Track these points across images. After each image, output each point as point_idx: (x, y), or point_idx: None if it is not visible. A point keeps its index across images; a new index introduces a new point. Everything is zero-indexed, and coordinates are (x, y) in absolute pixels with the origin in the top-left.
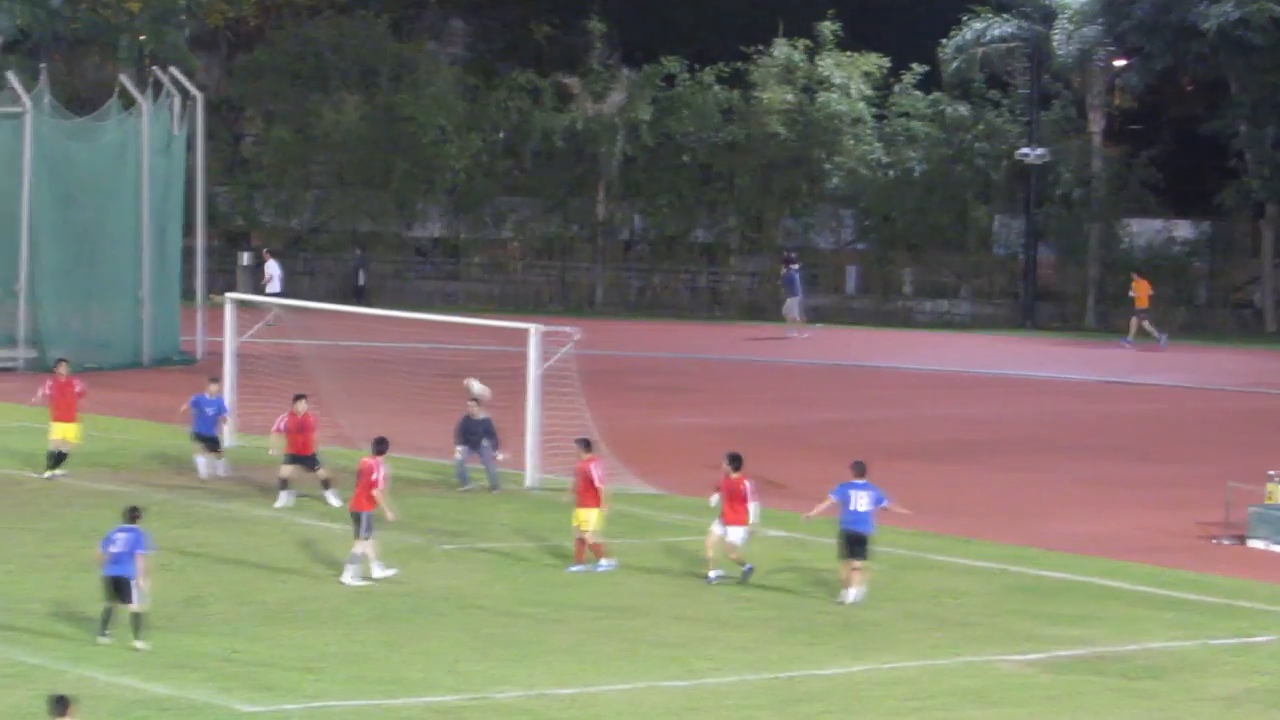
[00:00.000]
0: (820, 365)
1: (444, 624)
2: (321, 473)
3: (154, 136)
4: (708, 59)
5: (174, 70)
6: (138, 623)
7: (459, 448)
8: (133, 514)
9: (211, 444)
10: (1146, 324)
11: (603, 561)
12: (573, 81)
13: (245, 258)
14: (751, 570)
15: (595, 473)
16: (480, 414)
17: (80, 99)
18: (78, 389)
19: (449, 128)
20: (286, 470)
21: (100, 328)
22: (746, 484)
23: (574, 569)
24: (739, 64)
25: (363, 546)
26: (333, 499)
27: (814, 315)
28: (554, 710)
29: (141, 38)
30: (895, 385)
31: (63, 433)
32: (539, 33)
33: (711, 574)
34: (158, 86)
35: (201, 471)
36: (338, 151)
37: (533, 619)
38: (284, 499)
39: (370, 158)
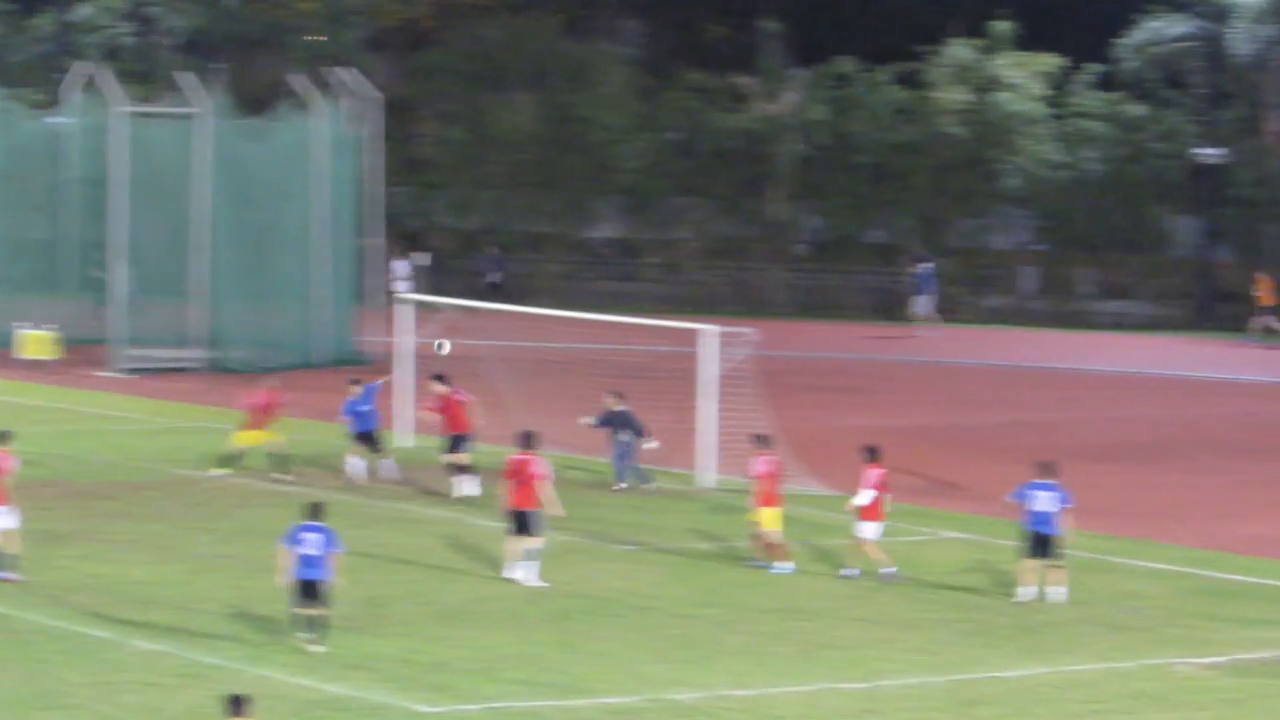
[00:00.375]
0: (997, 367)
1: (620, 625)
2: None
3: (329, 137)
4: (882, 58)
5: (348, 71)
6: (322, 626)
7: (619, 434)
8: (317, 511)
9: (372, 443)
10: (1273, 321)
11: (777, 564)
12: (747, 81)
13: (421, 258)
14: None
15: (764, 469)
16: (618, 405)
17: (254, 100)
18: (280, 401)
19: (623, 128)
20: (448, 456)
21: (274, 328)
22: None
23: (753, 564)
24: (914, 63)
25: (536, 543)
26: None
27: (990, 316)
28: (731, 712)
29: (316, 39)
30: (1072, 386)
31: (253, 439)
32: (713, 33)
33: (877, 571)
34: (332, 87)
35: (349, 471)
36: (512, 152)
37: (710, 620)
38: (466, 486)
39: (544, 158)
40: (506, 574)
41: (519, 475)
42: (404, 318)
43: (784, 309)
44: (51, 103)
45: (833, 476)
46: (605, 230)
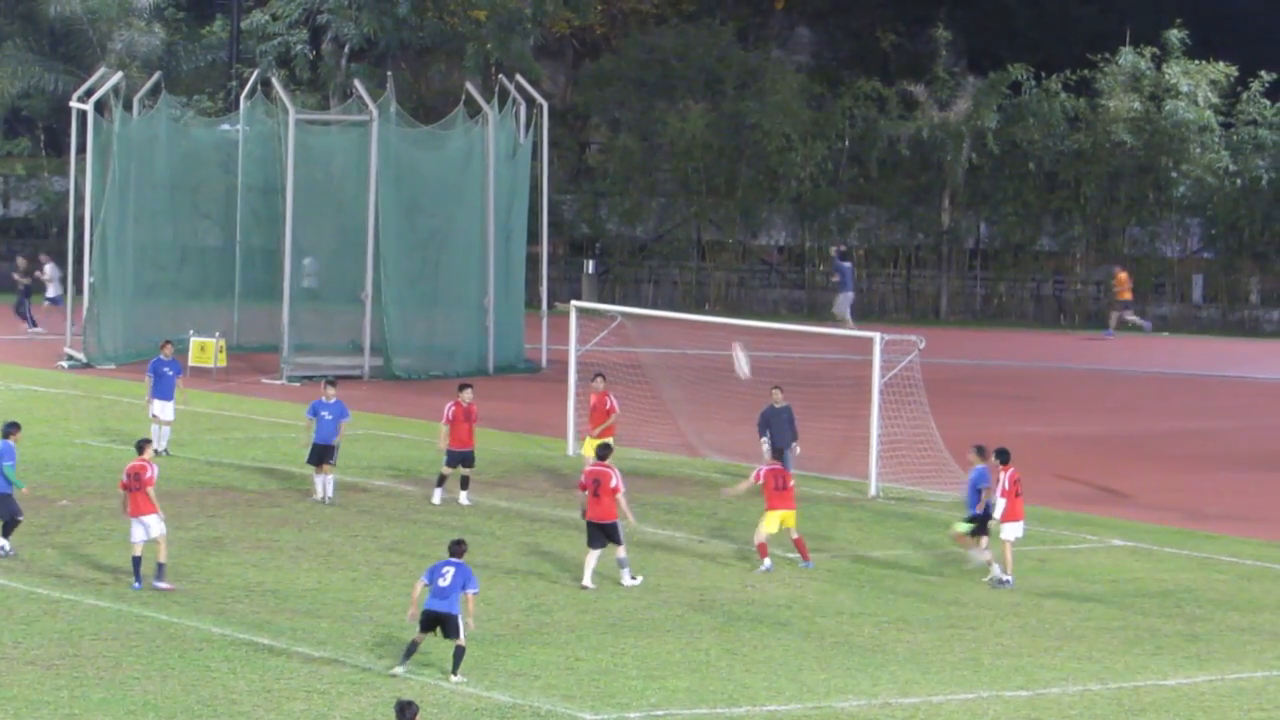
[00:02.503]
0: (1167, 375)
1: (786, 632)
2: (465, 471)
3: (499, 144)
4: (1054, 66)
5: (519, 78)
6: (459, 657)
7: (764, 440)
8: (459, 547)
9: (327, 454)
10: (1129, 315)
11: (766, 562)
12: (918, 89)
13: (590, 266)
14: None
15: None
16: (781, 401)
17: (426, 107)
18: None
19: (794, 136)
20: (448, 469)
21: (444, 336)
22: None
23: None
24: (1085, 71)
25: (622, 551)
26: (465, 499)
27: (1159, 324)
28: None
29: (487, 46)
30: (1242, 395)
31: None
32: (884, 40)
33: (1005, 576)
34: (503, 94)
35: (317, 492)
36: (682, 159)
37: (874, 628)
38: (438, 495)
39: (715, 165)
40: (587, 583)
41: (597, 487)
42: (575, 325)
43: (953, 317)
44: (224, 110)
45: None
46: (776, 238)
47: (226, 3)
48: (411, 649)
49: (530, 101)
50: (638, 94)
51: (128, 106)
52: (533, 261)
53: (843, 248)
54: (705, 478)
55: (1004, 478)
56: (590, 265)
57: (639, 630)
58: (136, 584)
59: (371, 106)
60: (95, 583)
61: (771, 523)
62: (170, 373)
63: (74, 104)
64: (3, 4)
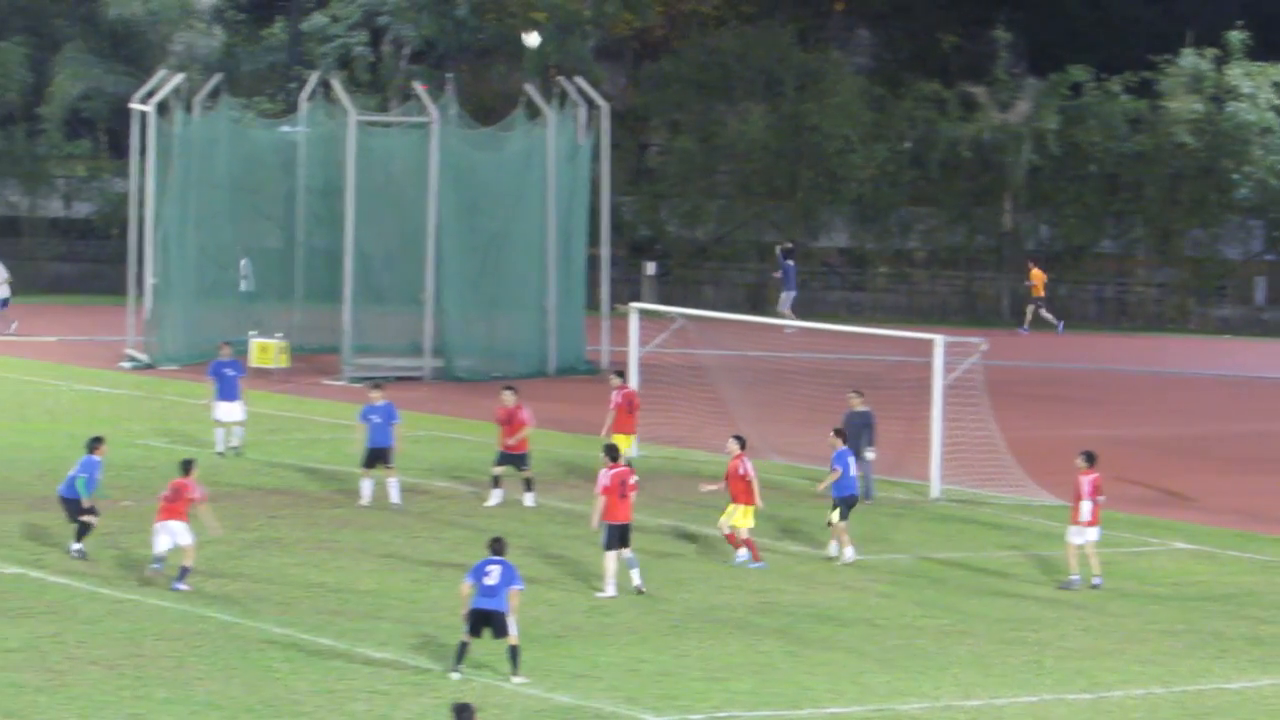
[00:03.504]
0: (1229, 377)
1: (848, 635)
2: (527, 472)
3: (559, 146)
4: (1115, 68)
5: (579, 80)
6: (515, 656)
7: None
8: (498, 545)
9: (383, 456)
10: (1043, 311)
11: (741, 553)
12: (978, 90)
13: (651, 267)
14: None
15: (745, 469)
16: (860, 405)
17: (486, 109)
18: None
19: (854, 137)
20: (499, 468)
21: (504, 337)
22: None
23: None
24: (1146, 73)
25: (629, 552)
26: (529, 500)
27: (1222, 326)
28: None
29: (547, 48)
30: None
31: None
32: (945, 42)
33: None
34: (563, 96)
35: (364, 498)
36: (742, 161)
37: (937, 631)
38: (495, 497)
39: (774, 167)
40: (611, 593)
41: (621, 489)
42: (634, 327)
43: (1014, 319)
44: (284, 112)
45: (1061, 487)
46: (836, 240)
47: (287, 5)
48: (462, 650)
49: (590, 103)
50: (697, 96)
51: (188, 108)
52: (593, 263)
53: (788, 245)
54: (767, 480)
55: (1084, 481)
56: (650, 267)
57: (701, 632)
58: (157, 565)
59: (431, 108)
60: (160, 583)
61: (743, 516)
62: (231, 373)
63: (135, 106)
64: (64, 6)
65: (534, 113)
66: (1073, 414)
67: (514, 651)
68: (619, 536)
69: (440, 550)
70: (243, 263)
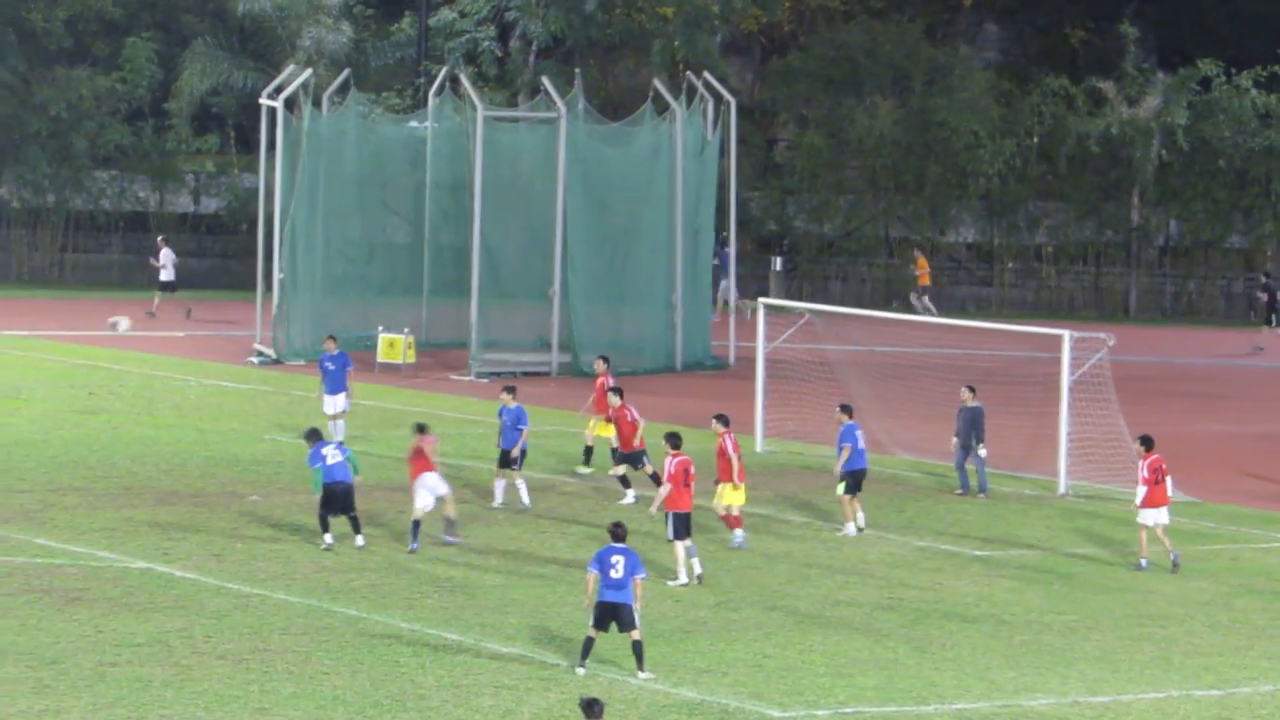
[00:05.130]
0: None
1: (974, 631)
2: (647, 468)
3: (687, 141)
4: (1244, 63)
5: (707, 75)
6: (639, 651)
7: (955, 440)
8: (619, 531)
9: (509, 460)
10: (926, 300)
11: (739, 533)
12: (1106, 85)
13: (778, 263)
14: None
15: (729, 446)
16: (972, 401)
17: (614, 104)
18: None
19: (982, 133)
20: (619, 468)
21: (631, 332)
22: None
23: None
24: (1276, 67)
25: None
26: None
27: None
28: (1086, 719)
29: (675, 43)
30: None
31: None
32: (1073, 37)
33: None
34: (691, 91)
35: (496, 499)
36: (870, 157)
37: (1064, 627)
38: (628, 498)
39: (902, 163)
40: (684, 581)
41: (686, 478)
42: (763, 322)
43: (1142, 314)
44: (412, 107)
45: (1189, 483)
46: (964, 235)
47: (416, 0)
48: (588, 645)
49: (718, 98)
50: (825, 91)
51: (317, 104)
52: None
53: (724, 234)
54: (893, 475)
55: (1143, 465)
56: (778, 262)
57: (827, 627)
58: (414, 544)
59: (559, 103)
60: (285, 578)
61: (733, 494)
62: (332, 367)
63: (263, 101)
64: (193, 2)
65: (662, 108)
66: (1201, 409)
67: (639, 646)
68: (685, 525)
69: (567, 547)
70: (163, 252)
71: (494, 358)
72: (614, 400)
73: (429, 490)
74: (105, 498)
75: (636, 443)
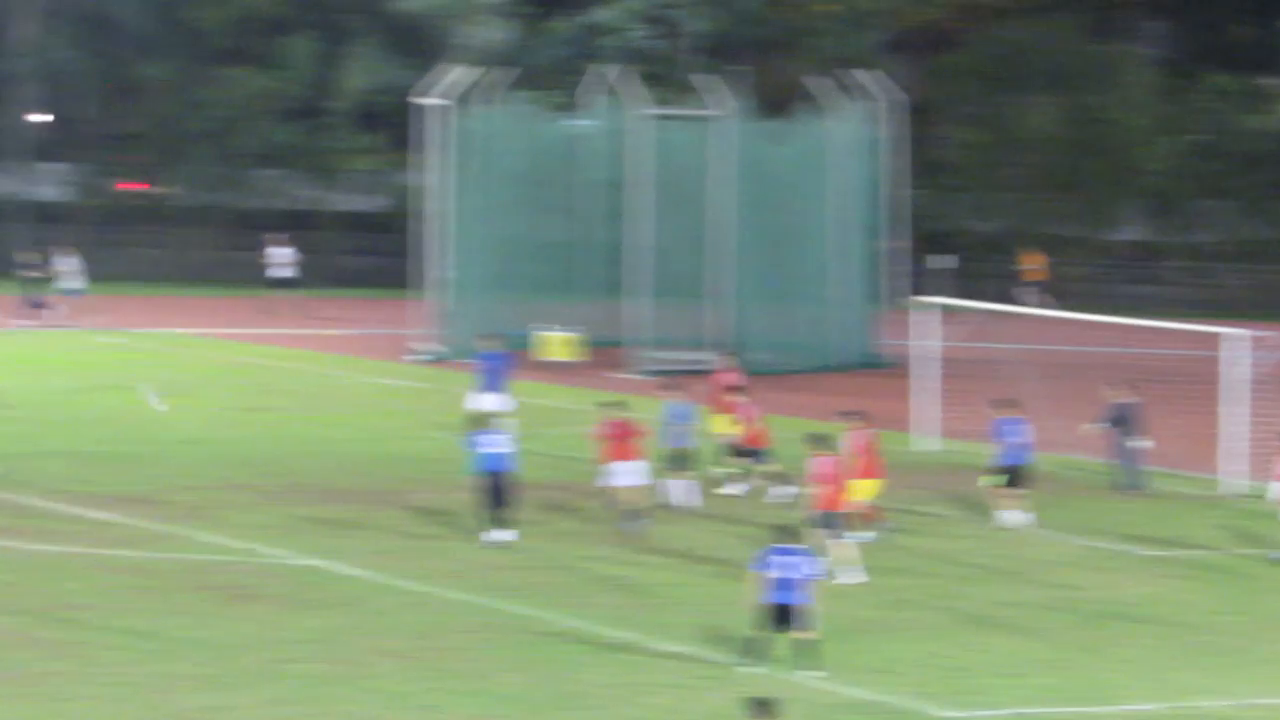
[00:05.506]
0: None
1: (1146, 632)
2: (769, 466)
3: (847, 140)
4: None
5: (868, 73)
6: (811, 651)
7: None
8: (791, 533)
9: (680, 460)
10: (1039, 296)
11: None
12: (1273, 82)
13: (941, 261)
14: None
15: (861, 443)
16: (1128, 398)
17: (774, 102)
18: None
19: (1146, 130)
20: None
21: (794, 331)
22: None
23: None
24: None
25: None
26: (735, 491)
27: None
28: None
29: (836, 40)
30: None
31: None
32: (1238, 34)
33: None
34: (851, 89)
35: (671, 498)
36: (1033, 154)
37: (1238, 627)
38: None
39: (1066, 160)
40: (857, 578)
41: (833, 479)
42: (926, 321)
43: None
44: (572, 105)
45: None
46: (1128, 233)
47: None
48: (762, 645)
49: (878, 96)
50: (987, 88)
51: (477, 102)
52: (881, 257)
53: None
54: (1059, 474)
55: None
56: (941, 260)
57: (998, 627)
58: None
59: (719, 101)
60: (455, 575)
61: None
62: (489, 365)
63: (423, 100)
64: (353, 1)
65: (822, 106)
66: None
67: (812, 645)
68: (837, 523)
69: (739, 544)
70: (282, 250)
71: (654, 355)
72: (739, 398)
73: (626, 474)
74: (274, 495)
75: (757, 439)
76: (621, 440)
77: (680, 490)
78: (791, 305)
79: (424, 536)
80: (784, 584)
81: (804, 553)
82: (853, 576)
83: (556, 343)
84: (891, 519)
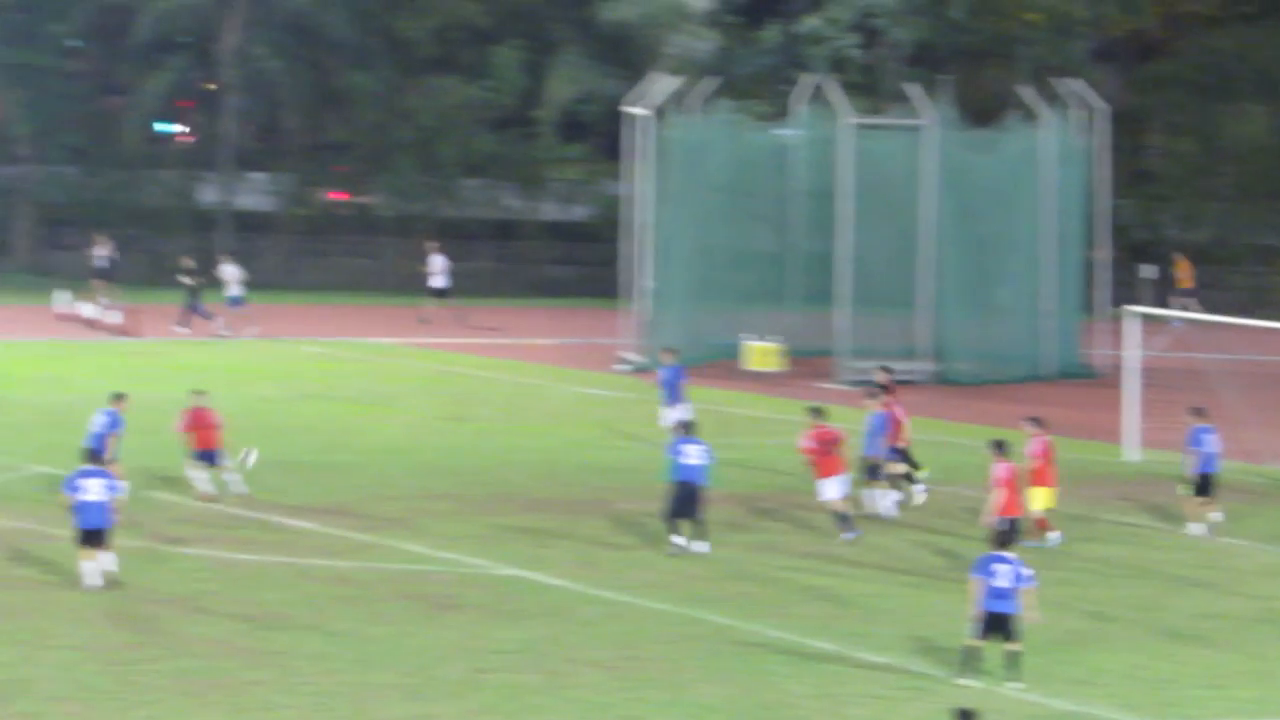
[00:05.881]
0: None
1: None
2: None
3: (1055, 148)
4: None
5: (1075, 82)
6: (1016, 662)
7: None
8: (1005, 538)
9: (872, 470)
10: (1190, 303)
11: (1052, 535)
12: None
13: (1148, 271)
14: None
15: (1039, 449)
16: None
17: (980, 111)
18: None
19: None
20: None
21: (999, 340)
22: None
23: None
24: None
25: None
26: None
27: None
28: None
29: (1042, 49)
30: None
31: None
32: None
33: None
34: (1059, 98)
35: (868, 506)
36: (1242, 163)
37: None
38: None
39: (1274, 169)
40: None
41: (1011, 485)
42: (1137, 331)
43: None
44: (778, 115)
45: None
46: None
47: (781, 7)
48: (972, 656)
49: (1086, 105)
50: (1195, 97)
51: (683, 111)
52: (1089, 266)
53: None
54: (1263, 484)
55: None
56: (1148, 270)
57: (1200, 640)
58: (847, 534)
59: (926, 111)
60: (656, 585)
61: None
62: (664, 377)
63: (629, 109)
64: (559, 10)
65: (1029, 115)
66: None
67: (1015, 656)
68: (1014, 530)
69: (937, 556)
70: (436, 259)
71: (861, 365)
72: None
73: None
74: (476, 504)
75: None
76: (825, 451)
77: (881, 499)
78: (996, 315)
79: (625, 546)
80: (1001, 593)
81: (1017, 561)
82: None
83: (760, 352)
84: (1084, 529)
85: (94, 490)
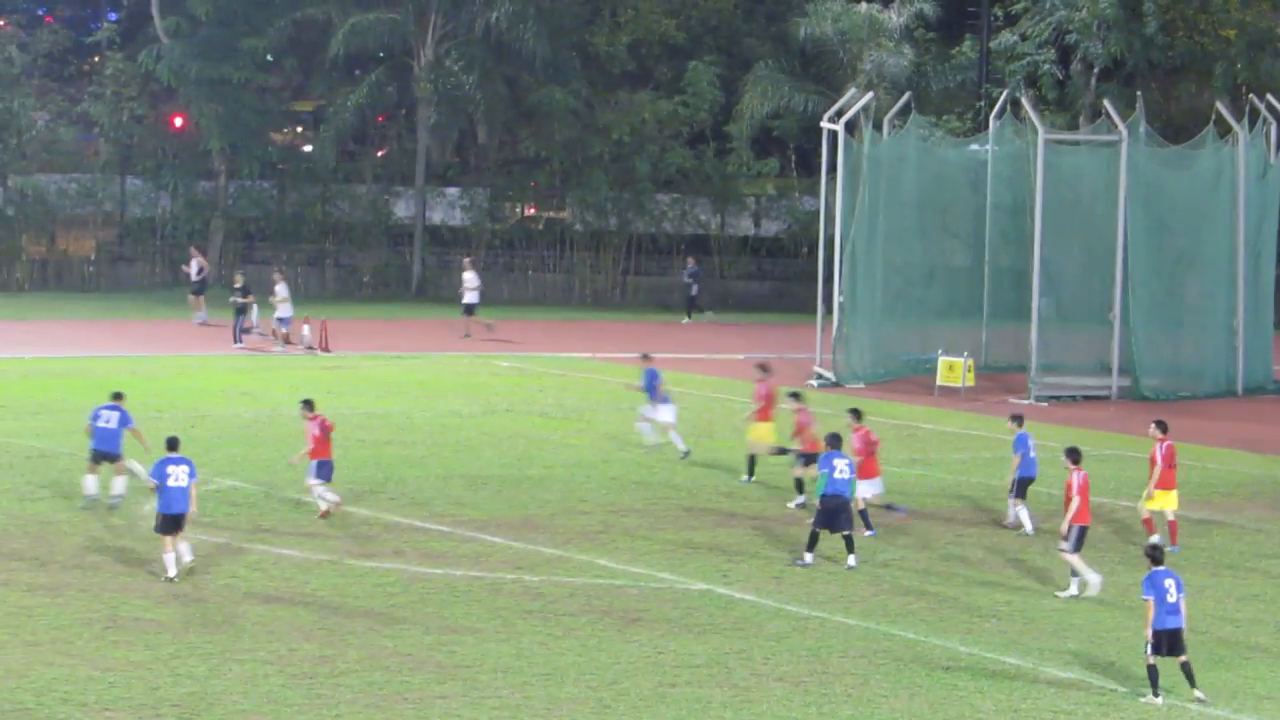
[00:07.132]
0: None
1: None
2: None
3: (1250, 164)
4: None
5: (1270, 98)
6: (1190, 672)
7: None
8: (1156, 554)
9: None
10: None
11: (1155, 538)
12: None
13: None
14: None
15: (1158, 453)
16: None
17: (1175, 127)
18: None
19: None
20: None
21: (1191, 356)
22: None
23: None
24: None
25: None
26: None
27: None
28: None
29: (1237, 65)
30: None
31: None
32: None
33: None
34: (1254, 114)
35: (1025, 525)
36: None
37: None
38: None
39: None
40: (1074, 593)
41: (1084, 492)
42: None
43: None
44: (972, 130)
45: None
46: None
47: (977, 23)
48: (1154, 674)
49: None
50: None
51: (877, 126)
52: None
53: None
54: None
55: None
56: None
57: None
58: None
59: (1121, 126)
60: (844, 600)
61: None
62: (646, 381)
63: (824, 124)
64: (755, 26)
65: (1224, 131)
66: None
67: (1187, 668)
68: (1083, 537)
69: (1123, 572)
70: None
71: (1053, 381)
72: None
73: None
74: (665, 519)
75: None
76: (869, 453)
77: (1027, 516)
78: (1189, 330)
79: (815, 561)
80: (1173, 608)
81: (1173, 575)
82: (1074, 590)
83: (953, 368)
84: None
85: (179, 477)
